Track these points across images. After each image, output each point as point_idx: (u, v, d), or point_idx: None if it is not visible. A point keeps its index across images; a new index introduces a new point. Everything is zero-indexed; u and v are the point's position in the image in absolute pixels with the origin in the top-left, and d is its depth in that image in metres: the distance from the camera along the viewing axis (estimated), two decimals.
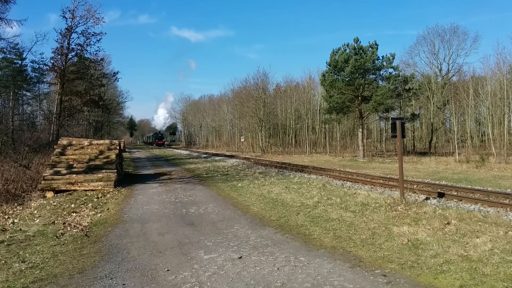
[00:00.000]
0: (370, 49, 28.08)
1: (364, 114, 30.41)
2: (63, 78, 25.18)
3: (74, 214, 8.74)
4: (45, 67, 32.51)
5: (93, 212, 8.88)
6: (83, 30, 25.17)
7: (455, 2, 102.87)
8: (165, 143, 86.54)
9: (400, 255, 5.21)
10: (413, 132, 40.63)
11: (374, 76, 29.13)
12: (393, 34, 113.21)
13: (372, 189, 12.00)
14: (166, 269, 4.89)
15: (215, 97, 79.01)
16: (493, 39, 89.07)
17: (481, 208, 8.79)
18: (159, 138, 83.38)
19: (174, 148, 68.55)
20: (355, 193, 10.34)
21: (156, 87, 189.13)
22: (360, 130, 30.27)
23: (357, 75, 27.94)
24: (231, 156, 33.59)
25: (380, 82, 29.11)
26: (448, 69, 39.58)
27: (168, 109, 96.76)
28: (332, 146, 41.34)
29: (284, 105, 48.59)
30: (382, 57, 28.56)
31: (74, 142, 14.31)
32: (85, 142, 14.52)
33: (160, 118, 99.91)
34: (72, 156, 13.41)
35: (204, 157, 33.08)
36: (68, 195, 11.53)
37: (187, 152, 47.82)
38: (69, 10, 24.59)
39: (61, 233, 6.88)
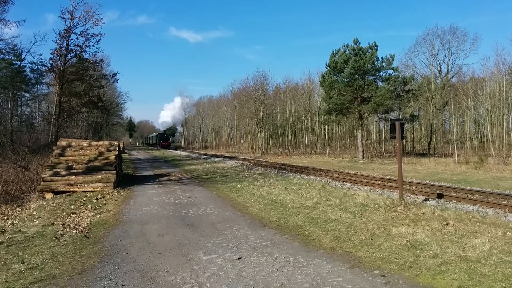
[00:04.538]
0: (369, 50, 28.12)
1: (364, 115, 30.43)
2: (62, 79, 25.17)
3: (73, 215, 8.74)
4: (44, 68, 32.53)
5: (92, 213, 8.88)
6: (82, 31, 25.19)
7: (454, 3, 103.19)
8: (171, 144, 77.99)
9: (399, 256, 5.22)
10: (412, 133, 40.67)
11: (373, 77, 29.16)
12: (393, 35, 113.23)
13: (371, 190, 12.00)
14: (165, 270, 4.90)
15: (215, 98, 78.46)
16: (493, 40, 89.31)
17: (479, 209, 8.80)
18: (164, 139, 74.23)
19: (173, 149, 68.35)
20: (354, 194, 10.34)
21: (157, 88, 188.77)
22: (360, 131, 30.29)
23: (356, 76, 27.97)
24: (231, 157, 33.57)
25: (380, 83, 29.13)
26: (447, 70, 39.74)
27: (172, 109, 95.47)
28: (331, 147, 41.35)
29: (283, 106, 48.58)
30: (382, 58, 28.61)
31: (73, 143, 14.32)
32: (84, 143, 14.52)
33: (163, 119, 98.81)
34: (71, 157, 13.41)
35: (204, 158, 33.07)
36: (68, 196, 11.52)
37: (186, 153, 47.80)
38: (68, 11, 24.62)
39: (61, 234, 6.88)
